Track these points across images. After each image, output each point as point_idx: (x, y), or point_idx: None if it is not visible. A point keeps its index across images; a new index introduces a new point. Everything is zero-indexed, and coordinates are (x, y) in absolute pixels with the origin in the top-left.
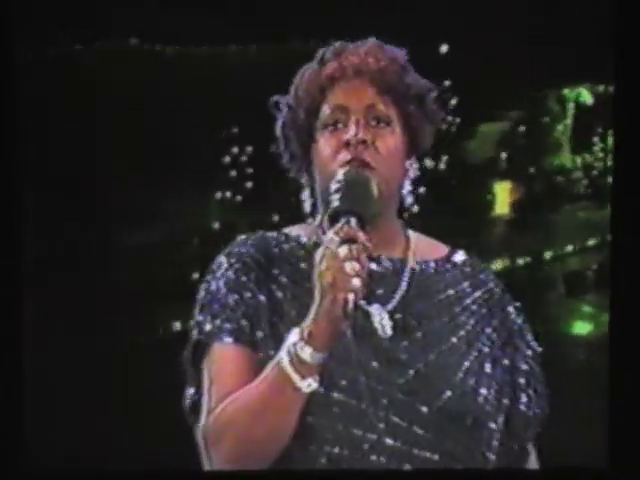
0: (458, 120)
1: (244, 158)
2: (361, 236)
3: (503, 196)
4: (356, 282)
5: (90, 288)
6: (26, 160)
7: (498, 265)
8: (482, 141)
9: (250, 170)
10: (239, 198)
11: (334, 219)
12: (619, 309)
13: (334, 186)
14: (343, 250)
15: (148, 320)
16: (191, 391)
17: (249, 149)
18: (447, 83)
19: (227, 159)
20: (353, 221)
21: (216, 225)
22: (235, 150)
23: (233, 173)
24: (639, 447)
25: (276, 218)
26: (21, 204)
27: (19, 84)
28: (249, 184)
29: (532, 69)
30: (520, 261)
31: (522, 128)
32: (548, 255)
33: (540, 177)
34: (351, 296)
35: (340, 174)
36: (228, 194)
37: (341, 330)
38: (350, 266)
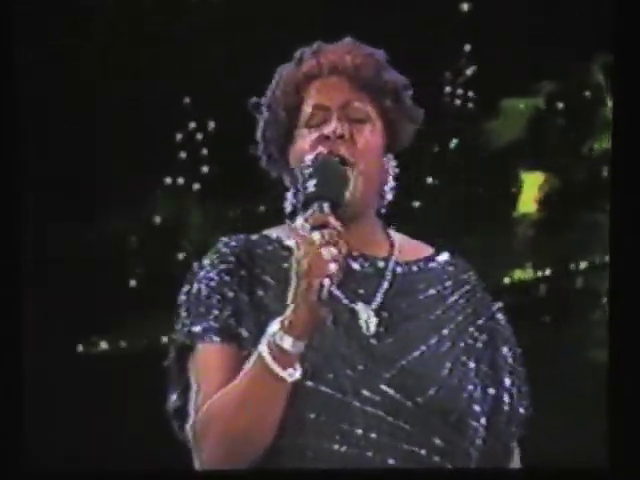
0: (474, 94)
1: (200, 136)
2: (332, 221)
3: (531, 190)
4: (332, 267)
5: (90, 287)
6: (26, 160)
7: (520, 275)
8: (506, 121)
9: (205, 152)
10: (196, 186)
11: (307, 206)
12: (618, 306)
13: (306, 172)
14: (316, 236)
15: (147, 319)
16: (174, 397)
17: (210, 125)
18: (466, 48)
19: (179, 137)
20: (326, 206)
21: (157, 220)
22: (191, 125)
23: (183, 155)
24: (639, 447)
25: (234, 213)
26: (21, 204)
27: (19, 84)
28: (205, 169)
29: (572, 29)
30: (549, 271)
31: (558, 105)
32: (584, 265)
33: (579, 167)
34: (326, 281)
35: (308, 160)
36: (180, 181)
37: (319, 317)
38: (326, 251)
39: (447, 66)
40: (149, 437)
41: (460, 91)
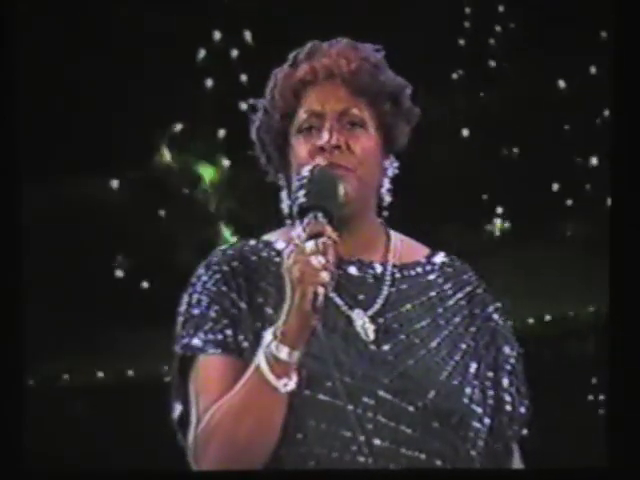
0: None
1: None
2: (327, 230)
3: None
4: (324, 275)
5: (91, 286)
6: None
7: None
8: None
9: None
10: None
11: (301, 215)
12: (619, 304)
13: (298, 183)
14: (310, 245)
15: (149, 318)
16: (179, 406)
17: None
18: None
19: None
20: (320, 216)
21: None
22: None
23: None
24: (639, 447)
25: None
26: (22, 202)
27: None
28: None
29: None
30: None
31: None
32: None
33: None
34: (320, 289)
35: (305, 171)
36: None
37: (312, 325)
38: (317, 260)
39: None
40: (149, 437)
41: None
